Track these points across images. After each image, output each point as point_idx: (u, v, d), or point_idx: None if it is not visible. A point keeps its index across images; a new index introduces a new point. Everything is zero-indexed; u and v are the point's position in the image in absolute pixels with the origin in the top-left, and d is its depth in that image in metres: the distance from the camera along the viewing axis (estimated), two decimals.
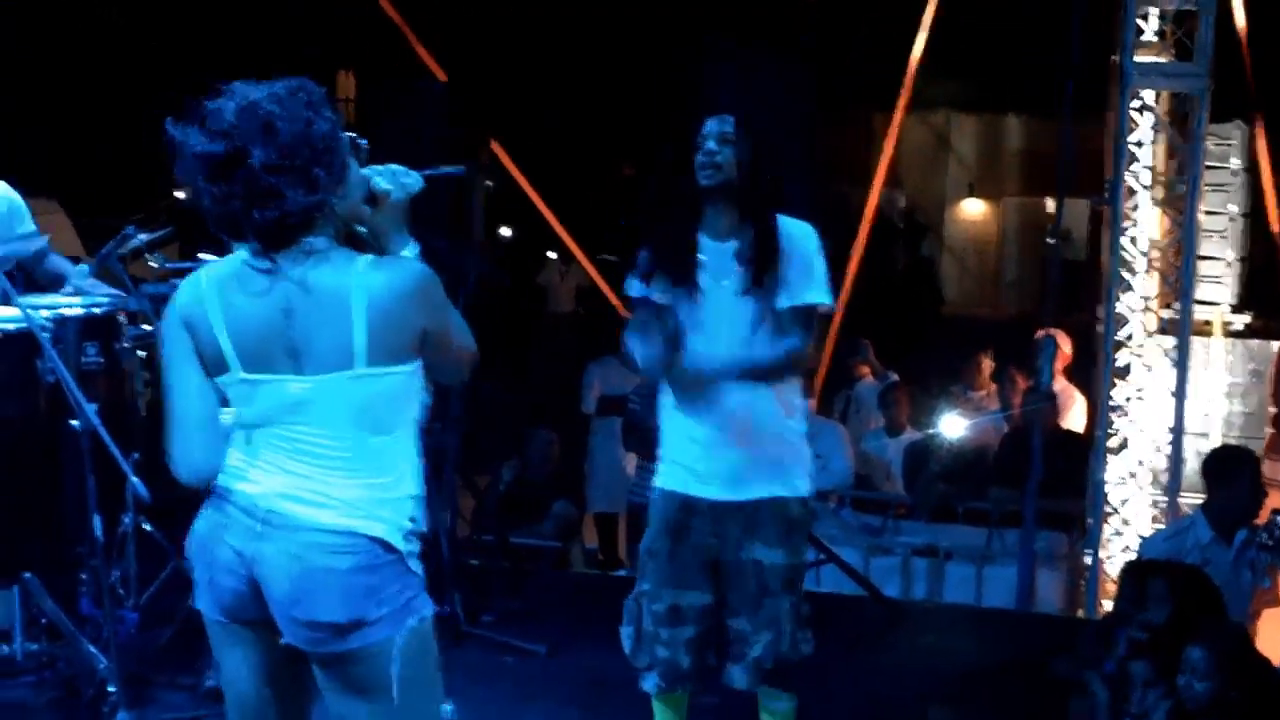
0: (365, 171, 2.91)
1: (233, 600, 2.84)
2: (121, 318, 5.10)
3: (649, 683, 4.14)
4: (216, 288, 2.80)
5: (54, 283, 5.17)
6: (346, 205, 2.84)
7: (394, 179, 2.93)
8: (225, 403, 2.87)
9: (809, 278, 3.99)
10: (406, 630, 2.82)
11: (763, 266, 3.93)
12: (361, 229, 2.91)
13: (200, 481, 2.87)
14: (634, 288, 4.09)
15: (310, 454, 2.79)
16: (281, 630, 2.83)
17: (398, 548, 2.81)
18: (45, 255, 5.26)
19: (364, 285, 2.73)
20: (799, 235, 4.01)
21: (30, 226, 5.23)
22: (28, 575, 4.64)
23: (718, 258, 3.97)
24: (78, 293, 5.08)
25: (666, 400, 4.10)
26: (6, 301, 4.57)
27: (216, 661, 2.99)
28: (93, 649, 4.57)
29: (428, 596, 2.89)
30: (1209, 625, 4.35)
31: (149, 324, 5.10)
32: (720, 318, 3.96)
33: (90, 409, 4.31)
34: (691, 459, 4.02)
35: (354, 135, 2.91)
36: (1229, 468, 5.82)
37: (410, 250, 2.92)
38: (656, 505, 4.11)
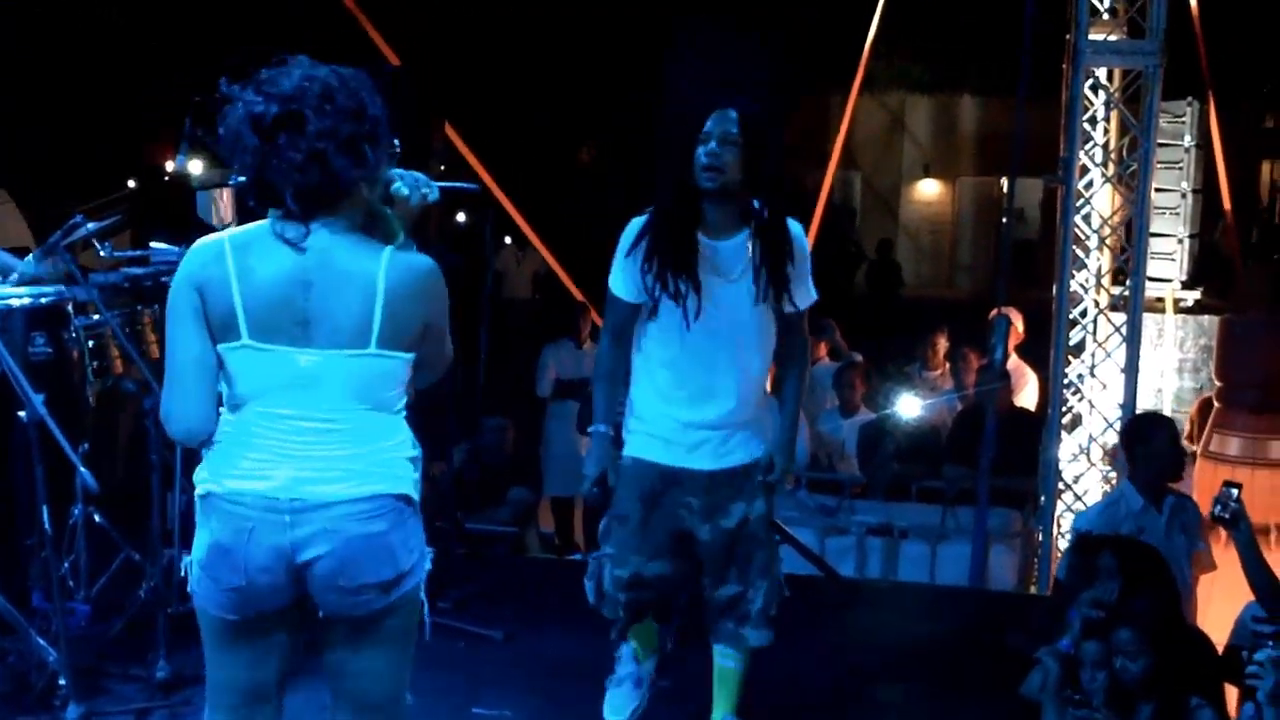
0: (391, 172, 3.06)
1: (268, 594, 2.94)
2: (69, 308, 5.06)
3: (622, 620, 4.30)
4: (238, 252, 2.88)
5: None
6: (373, 196, 2.99)
7: (414, 185, 3.09)
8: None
9: (808, 279, 4.11)
10: (424, 573, 3.08)
11: (777, 271, 3.97)
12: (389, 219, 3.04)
13: (192, 440, 2.97)
14: (625, 289, 4.05)
15: (312, 432, 2.90)
16: (321, 604, 2.97)
17: (414, 498, 3.01)
18: None
19: (387, 271, 2.87)
20: (799, 236, 4.06)
21: None
22: None
23: (716, 256, 3.97)
24: (23, 281, 5.04)
25: (642, 369, 4.12)
26: None
27: (214, 658, 3.05)
28: (42, 641, 4.54)
29: None
30: (1134, 605, 4.39)
31: (98, 313, 5.06)
32: (725, 314, 3.98)
33: (38, 400, 4.27)
34: (675, 433, 4.08)
35: (394, 137, 3.03)
36: (1144, 431, 5.90)
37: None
38: (629, 473, 4.14)
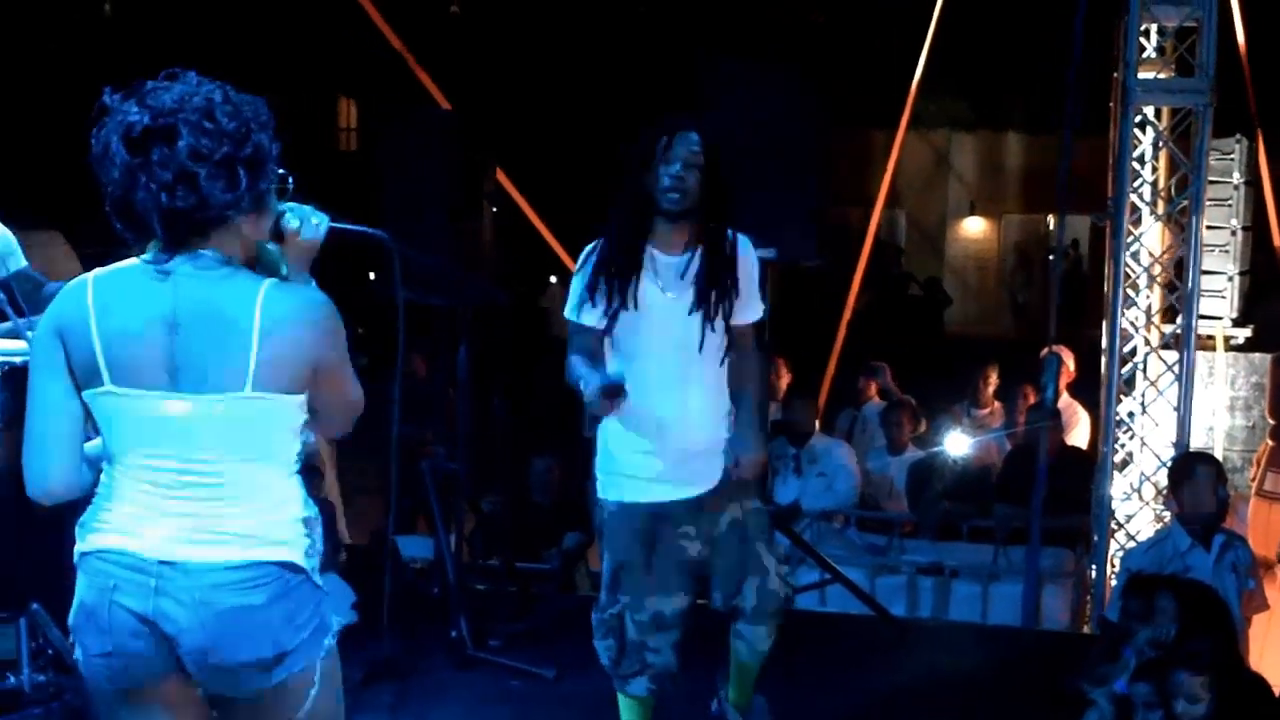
0: (281, 205, 2.82)
1: (140, 665, 2.66)
2: None
3: (638, 688, 4.27)
4: (100, 290, 2.64)
5: None
6: (257, 233, 2.73)
7: (305, 218, 2.84)
8: (93, 427, 2.70)
9: (754, 292, 4.16)
10: (324, 650, 2.73)
11: (717, 286, 4.03)
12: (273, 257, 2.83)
13: (51, 500, 2.71)
14: (583, 314, 4.07)
15: (188, 486, 2.63)
16: (198, 681, 2.69)
17: (304, 566, 2.69)
18: (41, 286, 5.25)
19: (264, 307, 2.60)
20: (744, 250, 4.13)
21: (23, 261, 5.23)
22: (35, 606, 4.64)
23: (668, 271, 4.03)
24: None
25: (609, 418, 4.14)
26: (13, 335, 4.59)
27: None
28: None
29: (330, 604, 2.78)
30: (1196, 647, 4.36)
31: None
32: (669, 332, 4.03)
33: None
34: (651, 470, 4.10)
35: (284, 171, 2.79)
36: (1185, 471, 5.91)
37: None
38: (618, 518, 4.17)
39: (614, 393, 3.83)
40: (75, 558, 2.70)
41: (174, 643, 2.62)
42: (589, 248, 4.12)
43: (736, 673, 4.51)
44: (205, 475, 2.63)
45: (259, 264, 2.74)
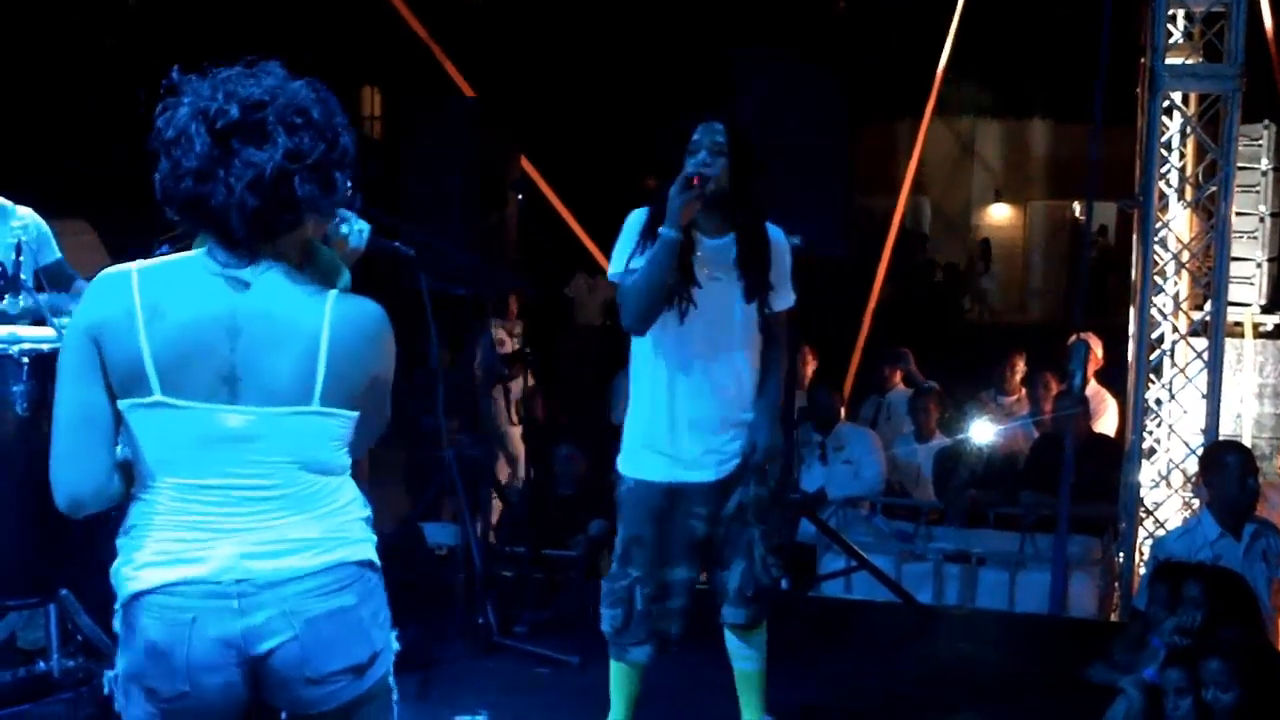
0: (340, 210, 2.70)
1: (220, 699, 2.47)
2: None
3: (639, 655, 4.36)
4: (147, 287, 2.43)
5: None
6: (319, 233, 2.63)
7: (353, 226, 2.74)
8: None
9: (787, 283, 4.30)
10: (393, 653, 2.65)
11: (759, 272, 4.16)
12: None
13: (78, 512, 2.50)
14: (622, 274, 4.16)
15: (245, 502, 2.46)
16: (283, 701, 2.55)
17: (379, 565, 2.60)
18: (73, 280, 5.28)
19: (332, 319, 2.47)
20: (779, 241, 4.26)
21: (57, 254, 5.25)
22: (64, 592, 4.66)
23: (705, 253, 4.14)
24: None
25: (640, 391, 4.26)
26: (41, 322, 4.60)
27: None
28: None
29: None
30: (1225, 635, 4.35)
31: None
32: (716, 310, 4.14)
33: None
34: (678, 448, 4.21)
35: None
36: (1215, 459, 5.90)
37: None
38: (635, 494, 4.26)
39: (689, 183, 3.93)
40: (123, 599, 2.49)
41: (263, 666, 2.47)
42: (632, 216, 4.21)
43: (741, 684, 4.55)
44: (262, 489, 2.46)
45: (315, 269, 2.59)
